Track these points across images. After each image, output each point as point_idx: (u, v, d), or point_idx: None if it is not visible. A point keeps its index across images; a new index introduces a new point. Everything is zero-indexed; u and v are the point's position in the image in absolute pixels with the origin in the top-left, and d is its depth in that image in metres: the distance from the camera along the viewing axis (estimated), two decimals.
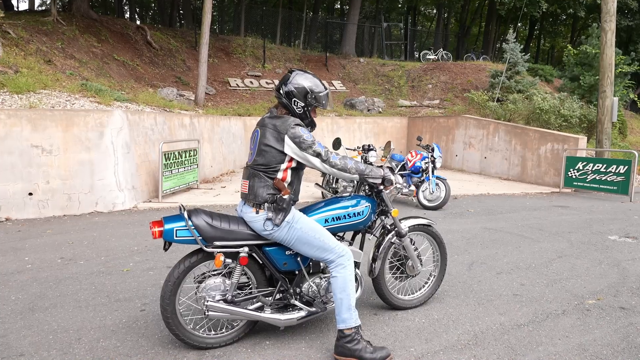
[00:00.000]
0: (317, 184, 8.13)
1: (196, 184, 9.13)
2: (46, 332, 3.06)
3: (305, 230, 2.75)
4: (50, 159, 6.54)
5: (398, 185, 3.15)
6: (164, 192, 7.81)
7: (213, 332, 2.91)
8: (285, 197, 2.70)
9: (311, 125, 2.92)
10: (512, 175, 12.08)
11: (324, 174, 8.16)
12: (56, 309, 3.44)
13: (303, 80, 2.80)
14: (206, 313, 2.73)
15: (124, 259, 4.70)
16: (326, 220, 2.96)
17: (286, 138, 2.68)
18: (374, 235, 3.29)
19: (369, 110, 16.81)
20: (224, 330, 2.95)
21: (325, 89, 2.88)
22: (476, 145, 13.36)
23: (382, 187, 3.06)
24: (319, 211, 2.99)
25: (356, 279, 3.07)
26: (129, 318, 3.30)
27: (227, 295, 2.81)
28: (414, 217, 3.50)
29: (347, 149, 7.98)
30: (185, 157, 8.56)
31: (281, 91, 2.81)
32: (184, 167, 8.52)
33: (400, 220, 3.35)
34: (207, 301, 2.75)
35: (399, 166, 8.18)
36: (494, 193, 9.65)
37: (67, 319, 3.27)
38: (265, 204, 2.72)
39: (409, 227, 3.38)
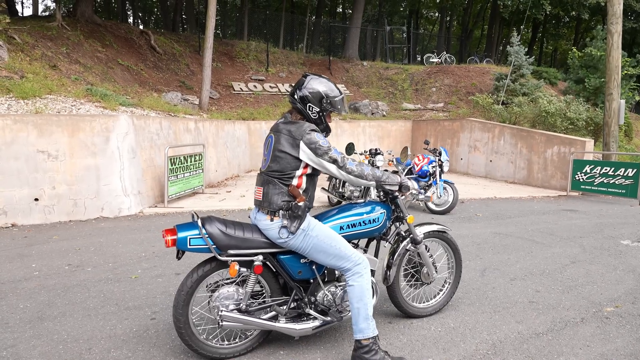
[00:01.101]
0: (323, 188, 8.07)
1: (201, 188, 9.09)
2: (56, 342, 3.00)
3: (321, 238, 2.69)
4: (56, 164, 6.51)
5: (414, 192, 3.08)
6: (170, 197, 7.77)
7: (226, 342, 2.86)
8: (301, 204, 2.64)
9: (326, 131, 2.86)
10: (518, 179, 12.00)
11: (330, 178, 8.11)
12: (65, 317, 3.39)
13: (318, 84, 2.75)
14: (220, 323, 2.67)
15: (132, 265, 4.65)
16: (341, 228, 2.90)
17: (301, 144, 2.63)
18: (388, 242, 3.23)
19: (373, 113, 16.77)
20: (237, 340, 2.89)
21: (341, 93, 2.83)
22: (481, 148, 13.28)
23: (398, 193, 3.00)
24: (334, 218, 2.93)
25: (371, 287, 3.00)
26: (140, 327, 3.24)
27: (241, 304, 2.75)
28: (429, 224, 3.44)
29: (354, 153, 7.91)
30: (191, 161, 8.52)
31: (295, 96, 2.75)
32: (190, 172, 8.48)
33: (414, 226, 3.29)
34: (221, 311, 2.69)
35: (406, 170, 8.11)
36: (500, 197, 9.57)
37: (77, 328, 3.22)
38: (280, 211, 2.66)
39: (424, 233, 3.32)
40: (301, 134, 2.64)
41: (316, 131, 2.68)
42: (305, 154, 2.63)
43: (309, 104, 2.74)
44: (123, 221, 6.60)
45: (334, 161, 2.66)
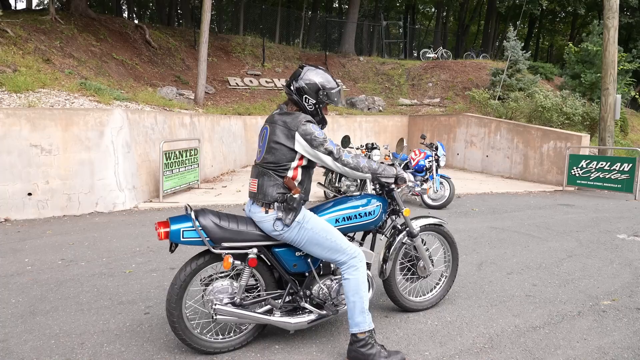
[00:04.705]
0: (319, 183, 8.03)
1: (197, 183, 9.03)
2: (48, 337, 2.96)
3: (316, 231, 2.65)
4: (50, 159, 6.44)
5: (410, 184, 3.05)
6: (165, 192, 7.71)
7: (221, 337, 2.82)
8: (296, 196, 2.60)
9: (322, 123, 2.82)
10: (514, 174, 12.01)
11: (326, 173, 8.07)
12: (58, 312, 3.35)
13: (314, 76, 2.71)
14: (214, 317, 2.64)
15: (126, 260, 4.61)
16: (337, 220, 2.87)
17: (297, 135, 2.59)
18: (384, 235, 3.20)
19: (369, 108, 16.73)
20: (231, 334, 2.85)
21: (337, 85, 2.79)
22: (478, 143, 13.27)
23: (394, 185, 2.97)
24: (329, 211, 2.90)
25: (367, 281, 2.97)
26: (133, 321, 3.21)
27: (235, 298, 2.71)
28: (425, 217, 3.41)
29: (350, 147, 7.86)
30: (186, 156, 8.46)
31: (292, 87, 2.71)
32: (185, 167, 8.42)
33: (410, 219, 3.26)
34: (215, 304, 2.66)
35: (402, 165, 8.08)
36: (497, 192, 9.56)
37: (69, 322, 3.18)
38: (275, 203, 2.62)
39: (420, 226, 3.29)
40: (296, 125, 2.59)
41: (312, 122, 2.64)
42: (300, 145, 2.59)
43: (305, 95, 2.70)
44: (117, 216, 6.54)
45: (330, 153, 2.62)
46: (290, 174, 2.64)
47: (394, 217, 3.24)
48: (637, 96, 17.85)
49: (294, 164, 2.64)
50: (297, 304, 2.84)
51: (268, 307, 2.80)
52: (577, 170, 10.11)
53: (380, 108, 16.90)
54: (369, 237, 3.23)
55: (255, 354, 2.77)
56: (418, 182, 7.66)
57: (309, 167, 2.74)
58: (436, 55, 22.21)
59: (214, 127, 11.18)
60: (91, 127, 6.72)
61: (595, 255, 4.98)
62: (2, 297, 3.60)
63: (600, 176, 9.74)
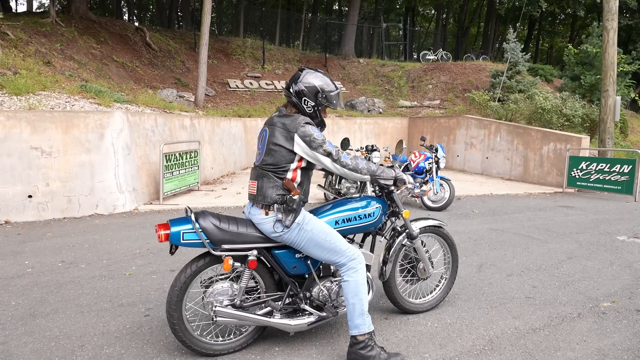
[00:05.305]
0: (319, 185, 8.04)
1: (197, 185, 9.04)
2: (48, 339, 2.97)
3: (316, 232, 2.66)
4: (50, 161, 6.45)
5: (410, 186, 3.05)
6: (165, 194, 7.72)
7: (221, 339, 2.83)
8: (295, 197, 2.61)
9: (321, 125, 2.83)
10: (514, 176, 12.01)
11: (326, 175, 8.08)
12: (58, 314, 3.35)
13: (314, 79, 2.72)
14: (214, 319, 2.65)
15: (126, 262, 4.61)
16: (336, 222, 2.88)
17: (296, 137, 2.60)
18: (384, 237, 3.21)
19: (369, 110, 16.74)
20: (232, 336, 2.86)
21: (336, 88, 2.80)
22: (478, 145, 13.28)
23: (393, 187, 2.97)
24: (329, 213, 2.91)
25: (367, 283, 2.98)
26: (133, 324, 3.21)
27: (236, 300, 2.72)
28: (425, 219, 3.42)
29: (349, 149, 7.87)
30: (186, 158, 8.47)
31: (291, 90, 2.72)
32: (185, 169, 8.43)
33: (410, 221, 3.27)
34: (215, 306, 2.66)
35: (402, 167, 8.09)
36: (497, 193, 9.56)
37: (70, 324, 3.18)
38: (275, 205, 2.63)
39: (420, 228, 3.30)
40: (295, 127, 2.61)
41: (310, 124, 2.66)
42: (299, 147, 2.60)
43: (305, 98, 2.71)
44: (118, 218, 6.55)
45: (328, 154, 2.63)
46: (289, 175, 2.65)
47: (393, 219, 3.24)
48: (636, 98, 17.86)
49: (293, 165, 2.65)
50: (297, 305, 2.84)
51: (268, 309, 2.80)
52: (577, 172, 10.12)
53: (380, 110, 16.92)
54: (369, 239, 3.24)
55: (255, 356, 2.77)
56: (418, 184, 7.66)
57: (308, 169, 2.74)
58: (436, 57, 22.24)
59: (214, 129, 11.19)
60: (91, 130, 6.73)
61: (595, 257, 4.98)
62: (2, 300, 3.60)
63: (600, 178, 9.74)
